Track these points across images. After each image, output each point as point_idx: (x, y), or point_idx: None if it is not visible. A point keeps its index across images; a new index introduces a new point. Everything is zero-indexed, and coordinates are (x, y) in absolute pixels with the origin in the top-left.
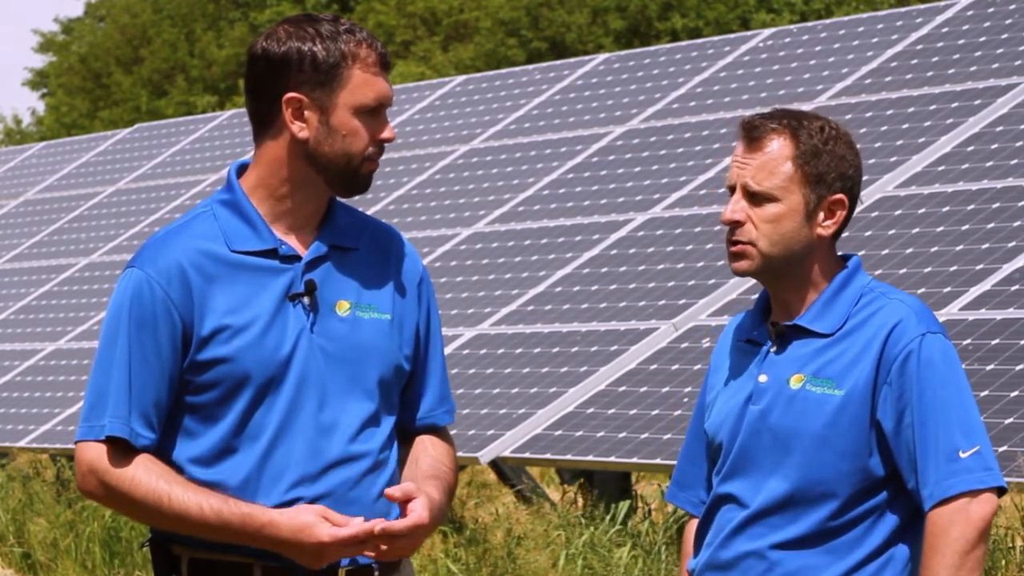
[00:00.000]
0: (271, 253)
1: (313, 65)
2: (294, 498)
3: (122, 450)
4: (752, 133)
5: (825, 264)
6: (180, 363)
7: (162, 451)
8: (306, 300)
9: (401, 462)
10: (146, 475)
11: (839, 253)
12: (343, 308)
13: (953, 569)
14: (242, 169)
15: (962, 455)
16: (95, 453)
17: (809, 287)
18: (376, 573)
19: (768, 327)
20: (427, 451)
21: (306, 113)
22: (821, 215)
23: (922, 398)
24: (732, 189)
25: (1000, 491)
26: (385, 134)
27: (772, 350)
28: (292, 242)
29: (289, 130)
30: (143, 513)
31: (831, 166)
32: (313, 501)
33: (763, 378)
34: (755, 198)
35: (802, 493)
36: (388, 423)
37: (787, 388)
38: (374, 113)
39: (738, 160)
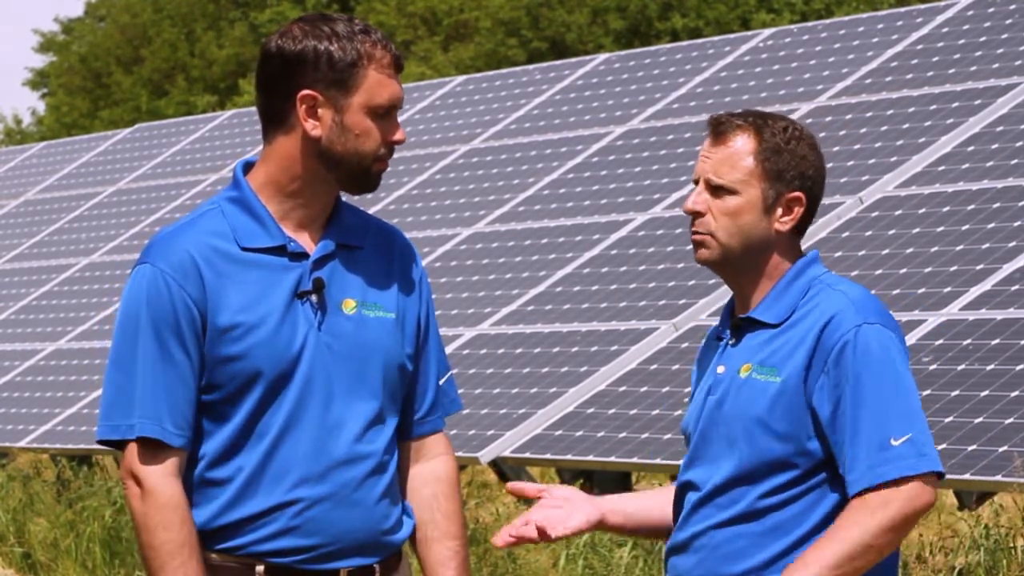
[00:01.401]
0: (280, 250)
1: (329, 64)
2: (296, 498)
3: (154, 451)
4: (718, 128)
5: (783, 259)
6: (202, 356)
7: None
8: (314, 298)
9: (399, 463)
10: (179, 526)
11: (803, 247)
12: (349, 306)
13: (863, 529)
14: (248, 167)
15: (894, 443)
16: (129, 457)
17: (766, 281)
18: (377, 574)
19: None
20: (440, 508)
21: (320, 111)
22: (779, 211)
23: (856, 387)
24: (696, 182)
25: (939, 476)
26: (396, 136)
27: (730, 343)
28: (300, 239)
29: (302, 127)
30: (144, 543)
31: (791, 164)
32: (316, 502)
33: (720, 369)
34: (716, 191)
35: (746, 476)
36: (391, 424)
37: (738, 378)
38: (386, 114)
39: (703, 154)
